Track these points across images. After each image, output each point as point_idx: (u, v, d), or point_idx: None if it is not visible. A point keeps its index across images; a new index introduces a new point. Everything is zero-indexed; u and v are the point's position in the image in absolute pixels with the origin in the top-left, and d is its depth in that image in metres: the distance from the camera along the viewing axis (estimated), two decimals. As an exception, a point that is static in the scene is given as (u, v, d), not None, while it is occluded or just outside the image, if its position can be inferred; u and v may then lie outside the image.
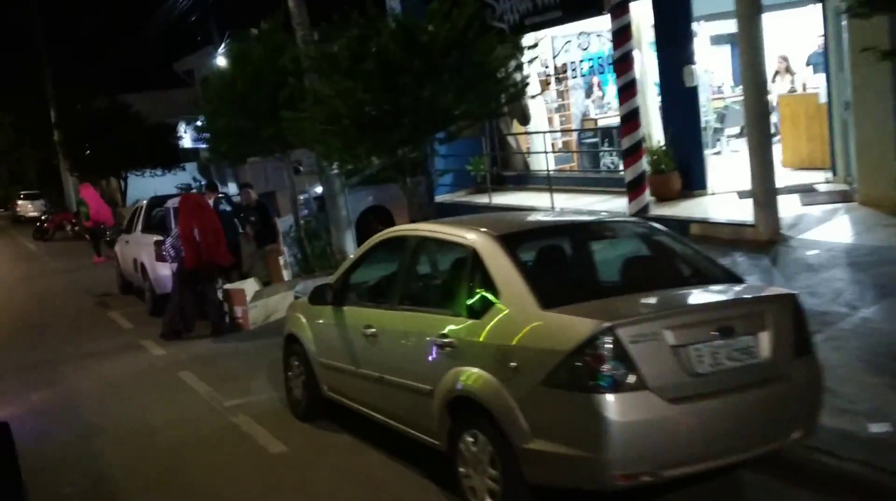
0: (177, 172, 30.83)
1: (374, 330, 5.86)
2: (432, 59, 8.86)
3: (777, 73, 13.86)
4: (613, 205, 12.41)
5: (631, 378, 4.18)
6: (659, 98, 12.89)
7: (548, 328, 4.44)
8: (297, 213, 14.96)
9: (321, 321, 6.78)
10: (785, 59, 14.23)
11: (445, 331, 5.06)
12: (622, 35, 10.99)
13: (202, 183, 41.29)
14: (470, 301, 4.98)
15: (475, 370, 4.79)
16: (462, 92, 9.05)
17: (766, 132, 9.49)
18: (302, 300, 7.59)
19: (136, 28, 39.58)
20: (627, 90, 11.08)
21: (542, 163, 15.71)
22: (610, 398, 4.15)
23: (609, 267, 5.50)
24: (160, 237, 12.51)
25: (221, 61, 25.23)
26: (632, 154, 11.14)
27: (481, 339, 4.81)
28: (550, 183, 13.20)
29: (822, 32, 11.24)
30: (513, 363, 4.53)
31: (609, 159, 14.26)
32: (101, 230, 22.16)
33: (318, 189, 16.49)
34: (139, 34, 40.20)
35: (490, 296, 4.82)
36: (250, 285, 12.17)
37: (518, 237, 5.28)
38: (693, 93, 11.97)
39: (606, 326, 4.19)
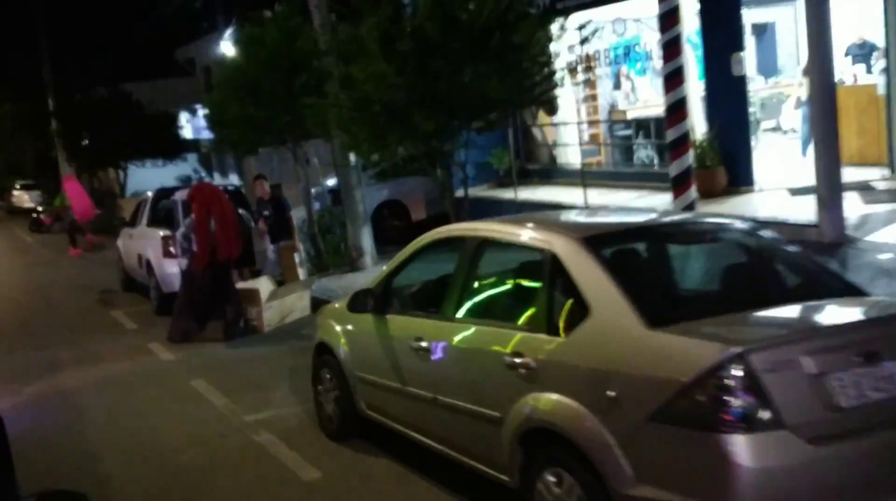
0: (179, 163, 30.07)
1: (425, 344, 5.14)
2: (472, 41, 8.12)
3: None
4: (654, 201, 11.69)
5: (765, 415, 3.46)
6: (702, 89, 12.15)
7: (658, 353, 3.72)
8: (311, 206, 14.24)
9: (359, 331, 6.07)
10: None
11: (520, 349, 4.34)
12: (670, 18, 10.25)
13: (202, 174, 40.79)
14: (552, 315, 4.26)
15: (558, 397, 4.07)
16: (503, 77, 8.31)
17: (833, 126, 8.77)
18: (334, 306, 6.88)
19: (137, 16, 38.83)
20: (674, 78, 10.34)
21: (570, 156, 15.01)
22: (740, 438, 3.42)
23: (712, 277, 4.77)
24: (167, 232, 11.78)
25: (228, 47, 24.56)
26: (677, 147, 10.41)
27: (568, 361, 4.09)
28: (584, 178, 12.47)
29: (883, 22, 10.49)
30: (610, 392, 3.80)
31: (644, 153, 13.53)
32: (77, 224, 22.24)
33: (331, 181, 15.78)
34: (139, 22, 39.53)
35: (579, 310, 4.10)
36: (264, 285, 11.45)
37: (606, 239, 4.55)
38: (741, 82, 11.25)
39: (736, 351, 3.47)
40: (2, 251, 25.05)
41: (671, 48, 10.37)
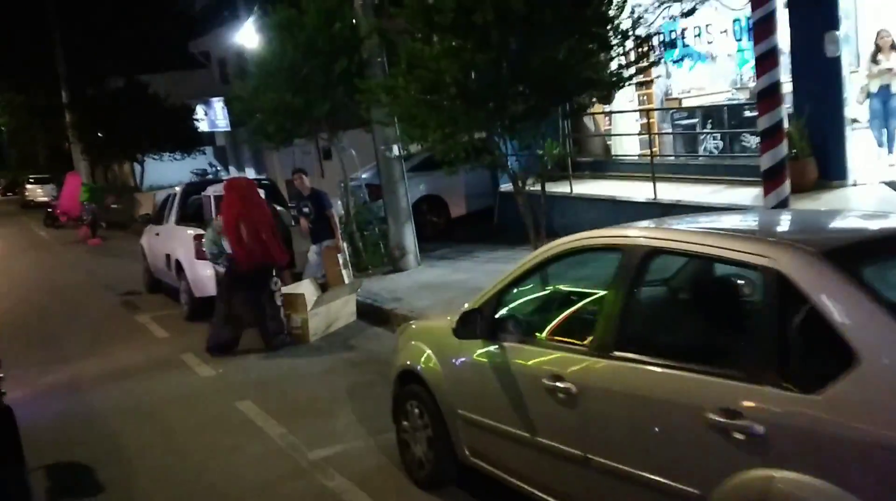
0: (196, 156, 28.85)
1: (568, 386, 3.91)
2: (565, 11, 6.87)
3: (879, 50, 11.84)
4: (735, 196, 10.44)
5: None
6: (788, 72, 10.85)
7: None
8: (348, 202, 13.02)
9: (463, 360, 4.85)
10: (888, 34, 12.22)
11: (733, 406, 3.11)
12: (763, -8, 8.96)
13: (217, 168, 39.57)
14: (789, 361, 3.03)
15: (808, 480, 2.85)
16: (598, 53, 7.07)
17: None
18: (422, 325, 5.65)
19: (151, 7, 37.55)
20: (768, 59, 9.01)
21: (626, 147, 13.77)
22: None
23: None
24: (200, 231, 10.56)
25: (251, 35, 23.28)
26: (771, 136, 9.10)
27: (823, 430, 2.86)
28: (653, 171, 11.21)
29: None
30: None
31: (713, 144, 12.27)
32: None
33: (365, 175, 14.55)
34: (153, 13, 38.26)
35: (837, 356, 2.87)
36: (308, 289, 10.25)
37: (860, 254, 3.30)
38: (836, 64, 9.96)
39: None
40: (17, 248, 23.83)
41: (764, 25, 9.04)
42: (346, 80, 11.65)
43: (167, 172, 34.15)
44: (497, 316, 4.65)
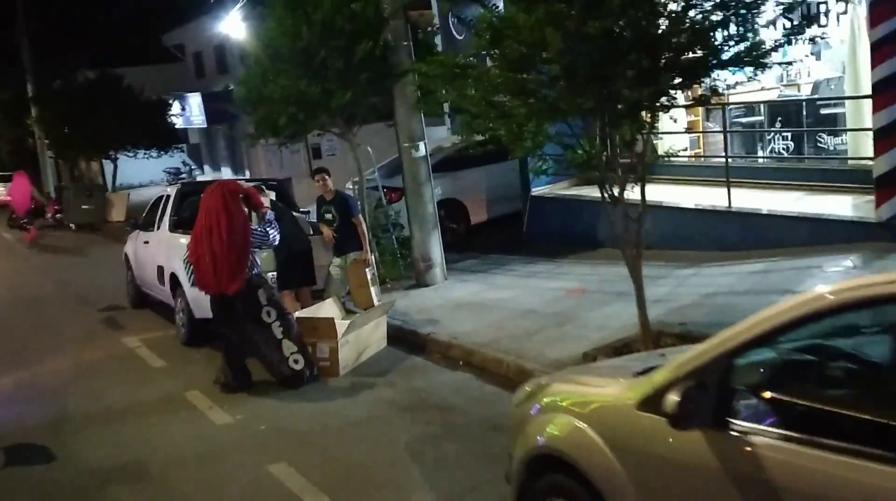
0: (174, 154, 26.87)
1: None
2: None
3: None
4: (822, 205, 9.01)
5: None
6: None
7: None
8: (363, 205, 11.33)
9: (663, 453, 3.24)
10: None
11: None
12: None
13: (191, 167, 37.52)
14: None
15: None
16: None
17: None
18: (566, 389, 4.01)
19: (119, -1, 35.49)
20: (888, 45, 7.61)
21: (674, 147, 12.22)
22: None
23: None
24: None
25: (233, 28, 21.45)
26: (889, 135, 7.69)
27: None
28: (728, 174, 9.69)
29: None
30: None
31: (781, 144, 10.80)
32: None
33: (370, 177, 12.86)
34: (125, 4, 36.15)
35: None
36: (332, 311, 8.59)
37: None
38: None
39: None
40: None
41: (883, 6, 7.63)
42: (368, 66, 10.00)
43: (139, 170, 32.11)
44: (734, 389, 3.04)
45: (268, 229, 7.90)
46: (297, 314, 8.11)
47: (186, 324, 9.20)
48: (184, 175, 36.31)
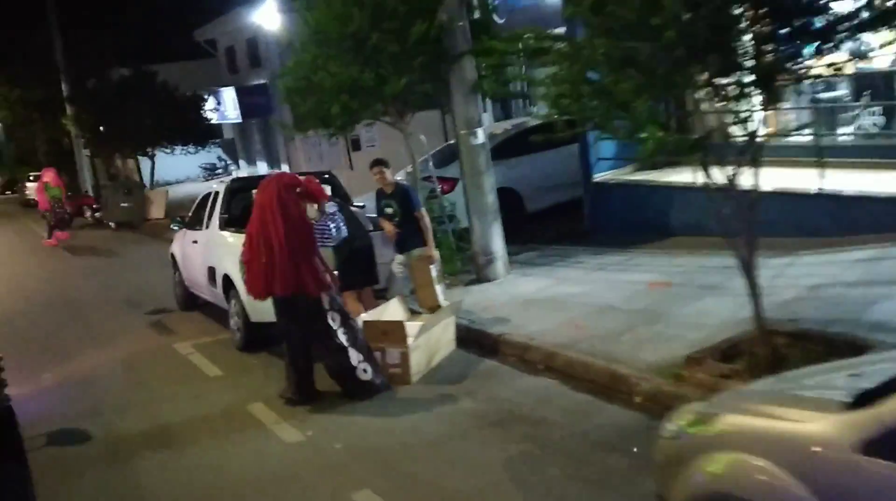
0: (211, 149, 26.37)
1: None
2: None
3: None
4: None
5: None
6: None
7: None
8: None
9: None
10: None
11: None
12: None
13: (227, 162, 37.05)
14: None
15: None
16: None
17: None
18: (740, 422, 3.25)
19: (152, -6, 34.95)
20: None
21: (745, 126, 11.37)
22: None
23: None
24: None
25: (268, 19, 20.81)
26: None
27: None
28: (821, 154, 8.84)
29: None
30: None
31: (869, 120, 9.92)
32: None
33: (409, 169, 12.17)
34: (155, 1, 35.66)
35: None
36: (397, 312, 7.93)
37: None
38: None
39: None
40: (18, 252, 21.36)
41: None
42: (423, 49, 9.29)
43: (174, 167, 31.70)
44: None
45: (329, 222, 7.22)
46: (363, 317, 7.45)
47: (242, 328, 8.58)
48: (220, 171, 35.87)
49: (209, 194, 10.02)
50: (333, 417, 6.49)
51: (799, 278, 7.57)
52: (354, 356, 6.79)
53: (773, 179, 9.63)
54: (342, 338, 6.79)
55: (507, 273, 10.12)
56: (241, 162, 37.35)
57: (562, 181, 12.60)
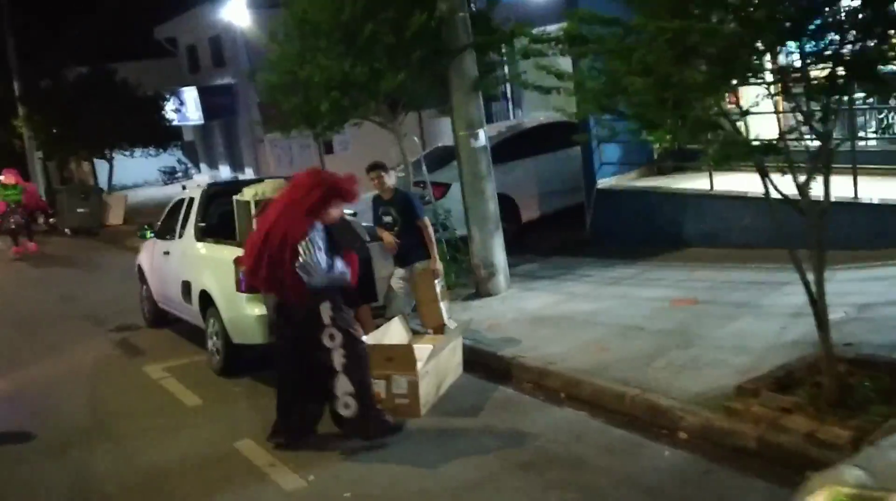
0: (173, 152, 25.28)
1: None
2: None
3: None
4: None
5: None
6: None
7: None
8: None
9: None
10: None
11: None
12: None
13: (188, 166, 35.87)
14: None
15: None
16: None
17: None
18: None
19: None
20: None
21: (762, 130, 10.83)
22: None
23: None
24: (239, 250, 7.34)
25: (238, 15, 19.88)
26: None
27: None
28: (855, 160, 8.23)
29: None
30: None
31: (899, 123, 9.40)
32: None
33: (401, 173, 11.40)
34: (111, -2, 34.38)
35: None
36: (398, 332, 7.17)
37: None
38: None
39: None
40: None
41: None
42: (422, 41, 8.55)
43: (132, 170, 30.46)
44: None
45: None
46: (365, 340, 6.65)
47: (222, 351, 7.73)
48: (179, 174, 34.73)
49: (182, 200, 9.15)
50: (336, 457, 5.69)
51: (844, 297, 6.94)
52: (341, 385, 5.83)
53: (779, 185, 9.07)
54: (336, 360, 5.86)
55: (509, 287, 9.41)
56: (202, 165, 36.20)
57: (559, 187, 11.94)
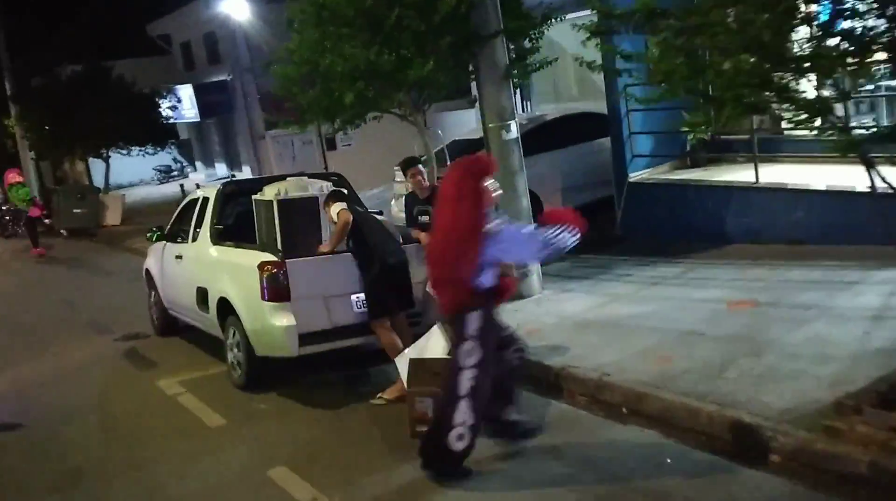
0: (171, 150, 24.50)
1: None
2: None
3: None
4: None
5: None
6: None
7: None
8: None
9: None
10: None
11: None
12: None
13: (183, 164, 35.04)
14: None
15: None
16: None
17: None
18: None
19: (103, -13, 32.72)
20: None
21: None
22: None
23: None
24: (269, 256, 6.63)
25: (237, 8, 19.12)
26: None
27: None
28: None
29: None
30: None
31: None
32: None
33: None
34: (105, -6, 33.42)
35: None
36: (438, 343, 6.46)
37: None
38: None
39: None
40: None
41: None
42: (451, 27, 7.86)
43: (127, 169, 29.62)
44: None
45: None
46: (406, 354, 5.97)
47: (244, 364, 7.02)
48: (175, 173, 33.93)
49: (195, 200, 8.42)
50: (382, 482, 5.00)
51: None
52: (461, 414, 4.94)
53: (849, 178, 8.44)
54: (464, 382, 4.99)
55: (543, 288, 8.73)
56: (198, 163, 35.39)
57: (585, 181, 11.26)
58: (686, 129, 10.20)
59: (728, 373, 5.76)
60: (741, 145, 10.13)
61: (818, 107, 4.13)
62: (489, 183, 5.07)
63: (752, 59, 3.92)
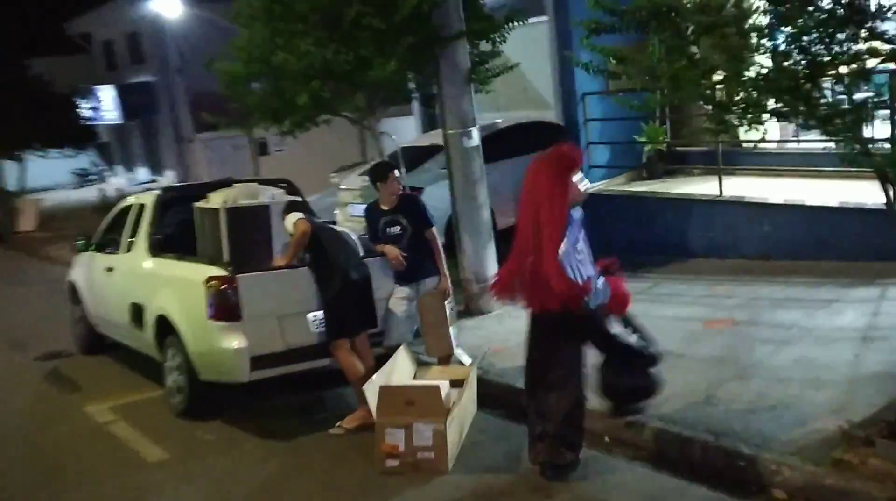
0: (91, 153, 23.20)
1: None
2: None
3: None
4: None
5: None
6: None
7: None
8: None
9: None
10: None
11: None
12: None
13: (102, 167, 33.49)
14: None
15: None
16: None
17: None
18: None
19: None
20: None
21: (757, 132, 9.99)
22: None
23: None
24: (219, 271, 5.93)
25: (168, 7, 18.13)
26: None
27: None
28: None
29: None
30: None
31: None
32: None
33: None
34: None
35: None
36: (405, 366, 5.95)
37: None
38: None
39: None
40: None
41: None
42: (414, 27, 7.33)
43: (41, 172, 27.97)
44: None
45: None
46: (373, 381, 5.38)
47: (185, 388, 6.30)
48: (93, 177, 32.42)
49: (128, 207, 7.63)
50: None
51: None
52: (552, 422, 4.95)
53: (822, 192, 8.21)
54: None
55: (501, 306, 8.25)
56: (118, 167, 33.85)
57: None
58: (642, 139, 9.95)
59: (716, 399, 5.39)
60: (697, 157, 9.88)
61: (852, 115, 3.75)
62: (577, 177, 4.86)
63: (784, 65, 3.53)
